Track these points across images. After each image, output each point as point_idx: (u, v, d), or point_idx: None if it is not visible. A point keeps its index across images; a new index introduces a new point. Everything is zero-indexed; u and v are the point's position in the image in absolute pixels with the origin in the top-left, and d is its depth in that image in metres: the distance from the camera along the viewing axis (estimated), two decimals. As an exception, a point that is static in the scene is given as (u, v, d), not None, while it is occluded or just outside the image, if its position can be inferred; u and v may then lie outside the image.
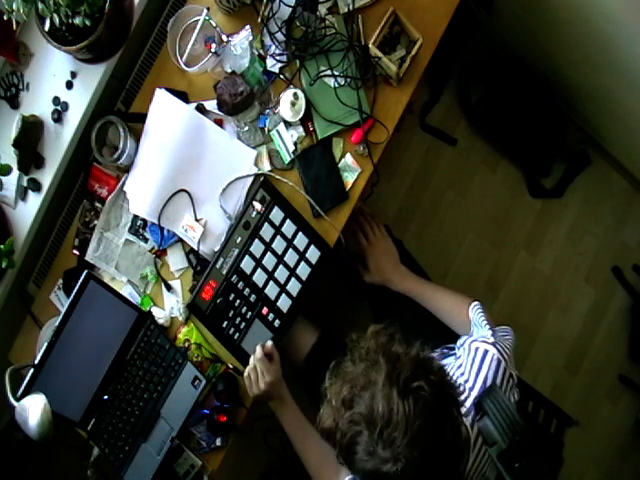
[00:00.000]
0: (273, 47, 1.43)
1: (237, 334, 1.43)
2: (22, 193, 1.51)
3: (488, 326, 1.25)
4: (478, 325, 1.29)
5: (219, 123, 1.46)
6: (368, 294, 1.66)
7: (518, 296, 2.21)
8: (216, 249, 1.45)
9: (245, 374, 1.38)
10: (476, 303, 1.36)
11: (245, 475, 2.13)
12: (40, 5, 1.26)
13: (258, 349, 1.38)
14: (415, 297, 1.48)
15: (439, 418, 0.91)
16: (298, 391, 1.44)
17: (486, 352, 1.16)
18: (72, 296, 1.37)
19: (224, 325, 1.43)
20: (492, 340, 1.18)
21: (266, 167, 1.46)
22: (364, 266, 1.53)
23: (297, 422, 1.39)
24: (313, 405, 1.39)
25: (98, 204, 1.52)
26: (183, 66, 1.43)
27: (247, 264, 1.42)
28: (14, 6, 1.25)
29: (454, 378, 1.14)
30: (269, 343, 1.40)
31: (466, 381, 1.14)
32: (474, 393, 1.11)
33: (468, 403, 1.11)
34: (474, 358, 1.16)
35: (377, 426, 0.89)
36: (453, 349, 1.31)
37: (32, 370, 1.34)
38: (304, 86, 1.43)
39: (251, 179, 1.45)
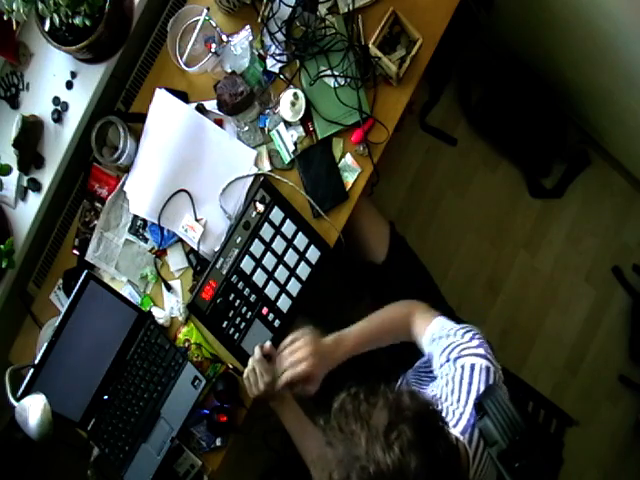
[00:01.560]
0: (273, 47, 1.43)
1: (237, 334, 1.43)
2: (22, 193, 1.51)
3: (464, 332, 1.16)
4: (450, 335, 1.18)
5: (219, 123, 1.46)
6: (371, 290, 1.66)
7: (518, 296, 2.21)
8: (216, 249, 1.45)
9: (244, 375, 1.38)
10: (439, 318, 1.25)
11: (245, 475, 2.13)
12: (40, 5, 1.26)
13: (257, 350, 1.38)
14: (358, 350, 1.31)
15: (428, 446, 0.89)
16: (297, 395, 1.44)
17: (473, 366, 1.09)
18: (72, 296, 1.37)
19: (224, 325, 1.43)
20: (477, 350, 1.10)
21: (266, 167, 1.46)
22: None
23: (298, 421, 1.39)
24: (313, 406, 1.39)
25: (98, 204, 1.52)
26: (183, 66, 1.43)
27: (247, 264, 1.42)
28: (14, 6, 1.25)
29: (444, 397, 1.09)
30: (268, 344, 1.39)
31: (458, 399, 1.08)
32: (468, 409, 1.07)
33: (464, 420, 1.06)
34: (462, 375, 1.09)
35: None
36: (429, 366, 1.24)
37: (32, 370, 1.34)
38: (304, 86, 1.43)
39: (251, 179, 1.45)
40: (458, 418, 1.05)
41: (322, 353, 1.26)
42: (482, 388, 1.07)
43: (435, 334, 1.20)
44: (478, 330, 1.18)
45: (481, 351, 1.11)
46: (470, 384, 1.08)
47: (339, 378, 1.21)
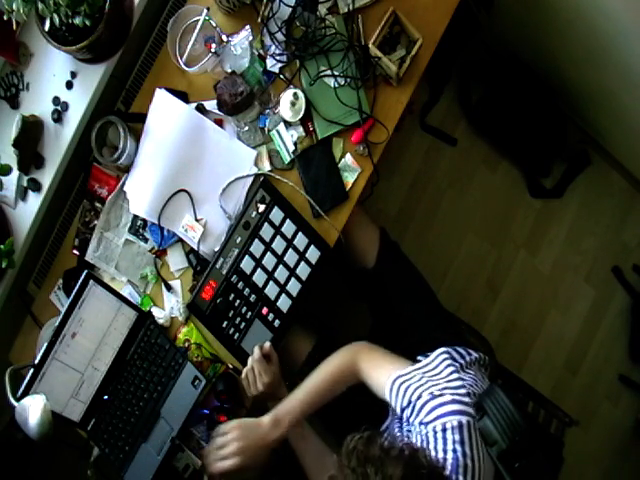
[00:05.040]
0: (273, 47, 1.43)
1: (237, 334, 1.43)
2: (22, 193, 1.51)
3: (439, 363, 1.13)
4: (429, 369, 1.15)
5: (219, 123, 1.46)
6: (367, 294, 1.66)
7: (518, 296, 2.21)
8: (216, 249, 1.45)
9: (242, 375, 1.38)
10: (395, 376, 1.15)
11: (245, 475, 2.13)
12: (40, 5, 1.26)
13: (256, 350, 1.38)
14: (307, 414, 1.28)
15: None
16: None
17: (444, 430, 1.03)
18: (72, 296, 1.37)
19: (224, 325, 1.43)
20: (467, 401, 1.05)
21: (266, 167, 1.46)
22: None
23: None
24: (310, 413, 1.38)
25: (98, 204, 1.52)
26: (183, 66, 1.43)
27: (247, 264, 1.42)
28: (14, 6, 1.25)
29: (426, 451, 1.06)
30: (267, 344, 1.40)
31: (436, 458, 1.04)
32: (449, 467, 1.02)
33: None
34: (436, 441, 1.04)
35: None
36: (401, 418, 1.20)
37: (32, 370, 1.34)
38: (304, 86, 1.43)
39: (251, 179, 1.45)
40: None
41: (254, 443, 1.25)
42: (459, 448, 1.02)
43: (400, 384, 1.14)
44: (446, 349, 1.15)
45: (458, 395, 1.06)
46: (445, 446, 1.03)
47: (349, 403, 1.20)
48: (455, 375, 1.12)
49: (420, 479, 0.89)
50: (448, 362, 1.15)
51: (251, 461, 1.26)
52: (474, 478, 1.01)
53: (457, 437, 1.02)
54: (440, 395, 1.07)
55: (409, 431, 1.13)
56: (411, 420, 1.10)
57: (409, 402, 1.10)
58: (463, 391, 1.07)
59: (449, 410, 1.04)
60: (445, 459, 1.02)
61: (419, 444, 1.06)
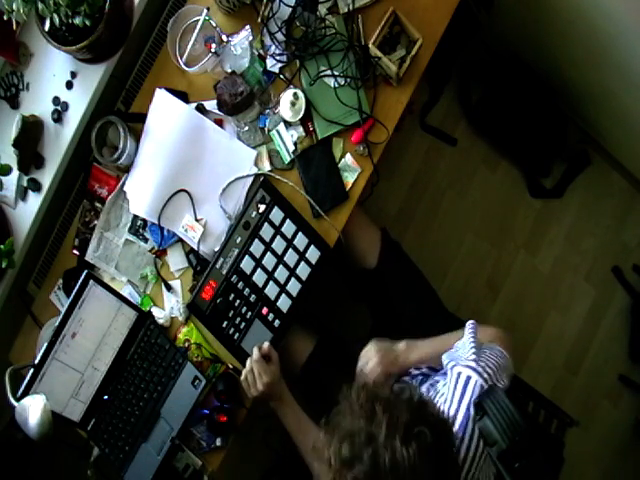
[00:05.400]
0: (273, 47, 1.43)
1: (237, 334, 1.43)
2: (22, 193, 1.51)
3: (473, 347, 1.17)
4: (463, 344, 1.21)
5: (219, 123, 1.46)
6: (368, 295, 1.66)
7: (518, 296, 2.21)
8: (216, 249, 1.45)
9: (242, 377, 1.38)
10: (471, 322, 1.28)
11: (245, 475, 2.13)
12: (40, 5, 1.26)
13: (255, 350, 1.38)
14: (428, 362, 1.36)
15: (442, 460, 0.90)
16: (297, 399, 1.43)
17: (469, 378, 1.08)
18: (72, 296, 1.37)
19: (224, 325, 1.43)
20: (474, 364, 1.10)
21: (266, 167, 1.46)
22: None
23: (298, 421, 1.39)
24: (311, 412, 1.39)
25: (98, 204, 1.52)
26: (183, 66, 1.43)
27: (247, 264, 1.42)
28: (14, 6, 1.25)
29: (438, 404, 1.10)
30: (266, 344, 1.39)
31: (449, 407, 1.09)
32: (458, 420, 1.07)
33: (454, 430, 1.07)
34: (456, 384, 1.10)
35: None
36: (437, 373, 1.27)
37: (32, 370, 1.34)
38: (304, 86, 1.43)
39: (251, 179, 1.45)
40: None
41: (394, 355, 1.32)
42: (472, 409, 1.05)
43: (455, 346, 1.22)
44: (501, 353, 1.19)
45: (477, 372, 1.10)
46: (462, 396, 1.08)
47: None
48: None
49: (426, 425, 0.90)
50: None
51: (390, 368, 1.33)
52: (472, 440, 1.05)
53: (475, 394, 1.06)
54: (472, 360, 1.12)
55: (432, 385, 1.20)
56: (444, 364, 1.17)
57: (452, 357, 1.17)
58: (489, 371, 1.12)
59: (475, 371, 1.09)
60: (456, 415, 1.06)
61: (436, 398, 1.11)
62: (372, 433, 0.89)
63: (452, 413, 1.08)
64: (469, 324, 1.25)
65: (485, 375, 1.09)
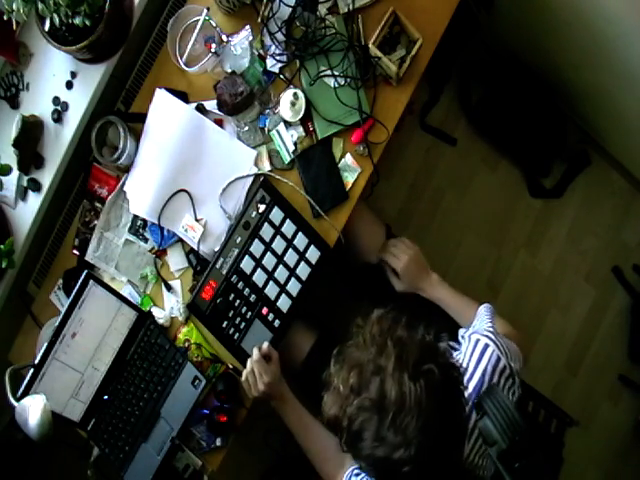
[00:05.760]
0: (273, 47, 1.43)
1: (237, 334, 1.43)
2: (22, 193, 1.51)
3: (490, 323, 1.24)
4: (481, 320, 1.29)
5: (219, 123, 1.46)
6: (370, 289, 1.66)
7: (518, 296, 2.21)
8: (216, 249, 1.45)
9: (243, 377, 1.38)
10: (487, 304, 1.35)
11: (245, 475, 2.13)
12: (40, 5, 1.26)
13: (255, 351, 1.38)
14: (443, 306, 1.48)
15: (448, 401, 0.92)
16: (296, 394, 1.43)
17: (486, 346, 1.14)
18: (72, 296, 1.37)
19: (224, 325, 1.43)
20: (493, 336, 1.17)
21: (266, 167, 1.46)
22: (396, 275, 1.51)
23: (299, 418, 1.39)
24: (312, 408, 1.39)
25: (98, 204, 1.52)
26: (183, 66, 1.43)
27: (247, 264, 1.42)
28: (14, 6, 1.25)
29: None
30: (265, 344, 1.39)
31: (465, 371, 1.13)
32: (472, 384, 1.12)
33: (466, 393, 1.10)
34: (474, 349, 1.15)
35: (389, 412, 0.88)
36: (455, 343, 1.30)
37: (32, 370, 1.34)
38: (304, 86, 1.43)
39: (251, 179, 1.45)
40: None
41: (426, 271, 1.51)
42: (489, 371, 1.12)
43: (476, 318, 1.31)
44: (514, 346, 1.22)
45: (496, 343, 1.16)
46: (479, 361, 1.13)
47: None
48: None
49: (435, 364, 0.91)
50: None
51: (418, 258, 1.51)
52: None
53: (492, 362, 1.12)
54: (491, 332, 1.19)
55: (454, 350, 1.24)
56: (462, 332, 1.24)
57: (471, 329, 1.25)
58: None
59: (493, 341, 1.15)
60: (471, 379, 1.11)
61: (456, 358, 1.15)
62: (381, 365, 0.91)
63: (467, 377, 1.11)
64: (486, 306, 1.32)
65: (502, 349, 1.14)
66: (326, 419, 0.98)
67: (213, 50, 1.40)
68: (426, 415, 0.87)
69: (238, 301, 1.42)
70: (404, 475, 0.89)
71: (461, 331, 1.26)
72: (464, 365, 1.14)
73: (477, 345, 1.15)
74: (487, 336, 1.16)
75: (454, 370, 0.96)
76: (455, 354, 1.22)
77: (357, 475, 1.22)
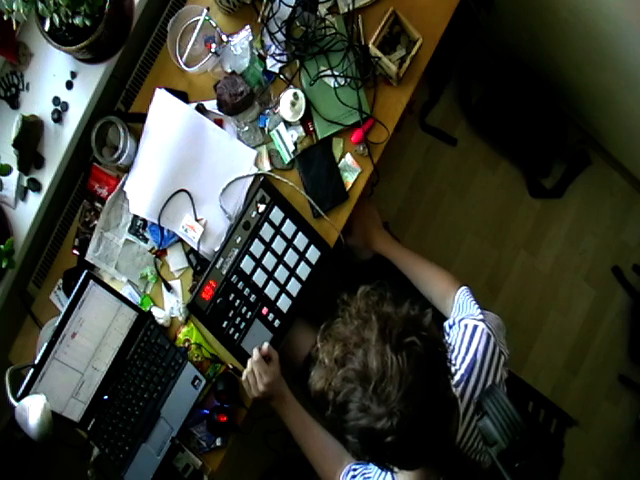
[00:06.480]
0: (273, 47, 1.43)
1: (237, 334, 1.43)
2: (22, 193, 1.51)
3: (477, 307, 1.27)
4: (466, 306, 1.30)
5: (219, 123, 1.46)
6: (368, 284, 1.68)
7: (518, 296, 2.21)
8: (216, 249, 1.45)
9: (243, 378, 1.38)
10: (465, 287, 1.37)
11: (245, 475, 2.13)
12: (40, 5, 1.26)
13: (255, 351, 1.38)
14: (394, 260, 1.50)
15: (431, 372, 0.93)
16: (297, 393, 1.44)
17: (476, 327, 1.18)
18: (72, 296, 1.37)
19: (224, 325, 1.43)
20: (481, 317, 1.21)
21: (266, 167, 1.46)
22: (349, 231, 1.54)
23: (299, 419, 1.39)
24: (312, 408, 1.39)
25: (98, 204, 1.52)
26: (183, 66, 1.43)
27: (247, 264, 1.42)
28: (14, 6, 1.25)
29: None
30: (265, 345, 1.39)
31: (456, 356, 1.15)
32: (465, 365, 1.14)
33: (458, 376, 1.13)
34: (464, 333, 1.18)
35: (371, 382, 0.89)
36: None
37: (32, 370, 1.34)
38: (304, 86, 1.43)
39: (251, 179, 1.45)
40: (453, 374, 1.08)
41: (376, 218, 1.57)
42: (480, 350, 1.15)
43: (457, 301, 1.34)
44: (500, 320, 1.28)
45: (485, 323, 1.19)
46: (470, 343, 1.16)
47: None
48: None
49: (420, 337, 0.92)
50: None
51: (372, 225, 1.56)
52: (477, 384, 1.12)
53: (482, 343, 1.15)
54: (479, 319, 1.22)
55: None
56: (450, 323, 1.26)
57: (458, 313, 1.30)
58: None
59: (481, 319, 1.20)
60: (464, 359, 1.14)
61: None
62: (364, 337, 0.93)
63: (459, 357, 1.14)
64: (465, 289, 1.34)
65: (491, 326, 1.18)
66: (313, 394, 1.00)
67: (213, 50, 1.40)
68: (407, 385, 0.89)
69: (238, 301, 1.42)
70: (387, 445, 0.90)
71: (448, 321, 1.28)
72: (456, 347, 1.16)
73: (467, 328, 1.19)
74: (475, 318, 1.21)
75: (438, 345, 0.97)
76: (446, 339, 1.23)
77: (354, 470, 1.23)
